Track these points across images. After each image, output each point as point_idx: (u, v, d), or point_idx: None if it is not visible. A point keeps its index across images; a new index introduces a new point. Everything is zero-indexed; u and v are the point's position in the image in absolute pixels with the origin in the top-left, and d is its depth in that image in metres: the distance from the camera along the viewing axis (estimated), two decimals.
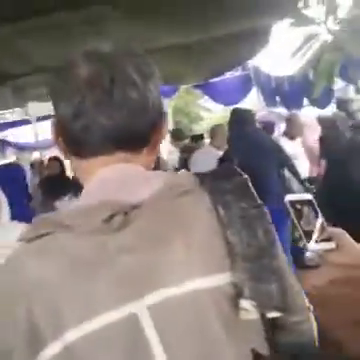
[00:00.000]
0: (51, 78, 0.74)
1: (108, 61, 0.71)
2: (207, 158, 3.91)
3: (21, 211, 2.36)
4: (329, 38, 2.93)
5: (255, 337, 0.67)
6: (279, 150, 3.36)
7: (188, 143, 5.81)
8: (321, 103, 5.68)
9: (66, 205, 4.88)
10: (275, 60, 4.85)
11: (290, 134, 4.80)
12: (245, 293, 0.65)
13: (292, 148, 4.36)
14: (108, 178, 0.71)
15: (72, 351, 0.63)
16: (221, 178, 0.72)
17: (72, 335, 0.63)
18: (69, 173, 5.51)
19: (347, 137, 4.26)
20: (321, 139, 4.59)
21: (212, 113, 15.41)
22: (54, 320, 0.64)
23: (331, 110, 5.89)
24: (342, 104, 5.15)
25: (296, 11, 3.11)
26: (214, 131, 4.54)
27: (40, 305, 0.65)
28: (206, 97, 15.57)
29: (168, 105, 13.93)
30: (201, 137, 6.00)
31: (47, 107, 6.61)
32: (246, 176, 0.72)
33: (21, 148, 7.28)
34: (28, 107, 5.78)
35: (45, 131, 6.90)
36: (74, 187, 4.95)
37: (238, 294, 0.66)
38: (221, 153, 3.83)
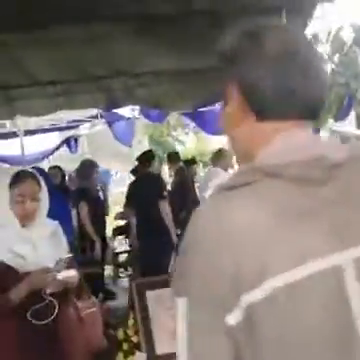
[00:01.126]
0: (239, 40, 0.78)
1: (298, 37, 0.78)
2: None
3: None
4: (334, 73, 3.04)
5: None
6: None
7: (182, 166, 5.93)
8: None
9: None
10: None
11: None
12: None
13: None
14: (303, 139, 0.76)
15: (275, 298, 0.66)
16: None
17: (277, 282, 0.66)
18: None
19: None
20: None
21: (184, 145, 15.85)
22: (260, 266, 0.66)
23: None
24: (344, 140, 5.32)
25: None
26: (219, 155, 5.19)
27: (246, 251, 0.67)
28: (179, 129, 15.94)
29: (144, 134, 14.23)
30: (194, 161, 6.15)
31: (35, 122, 6.61)
32: None
33: (5, 161, 7.24)
34: (16, 120, 5.76)
35: (32, 145, 6.90)
36: (73, 196, 5.00)
37: None
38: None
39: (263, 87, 0.75)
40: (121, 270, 6.17)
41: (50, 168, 5.84)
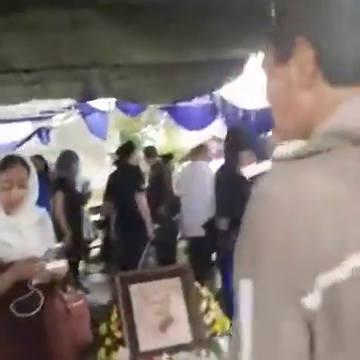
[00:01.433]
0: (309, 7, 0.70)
1: None
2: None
3: None
4: None
5: None
6: None
7: (159, 161, 5.91)
8: None
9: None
10: (247, 92, 4.97)
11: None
12: None
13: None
14: None
15: (356, 279, 0.58)
16: None
17: (357, 261, 0.58)
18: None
19: None
20: None
21: (153, 142, 15.88)
22: (339, 243, 0.58)
23: None
24: None
25: None
26: (200, 149, 5.18)
27: (325, 226, 0.59)
28: (149, 126, 15.97)
29: (116, 128, 14.16)
30: (171, 156, 6.13)
31: (5, 111, 6.40)
32: None
33: None
34: None
35: (1, 135, 6.72)
36: (51, 186, 4.93)
37: None
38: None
39: (342, 50, 0.68)
40: (93, 266, 6.08)
41: (32, 157, 5.78)
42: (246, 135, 3.68)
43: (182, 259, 5.27)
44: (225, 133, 6.42)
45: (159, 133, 17.10)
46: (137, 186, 4.55)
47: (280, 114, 0.76)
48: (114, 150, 11.58)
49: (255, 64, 4.76)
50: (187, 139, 13.07)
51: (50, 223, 2.05)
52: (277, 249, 0.60)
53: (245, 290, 0.62)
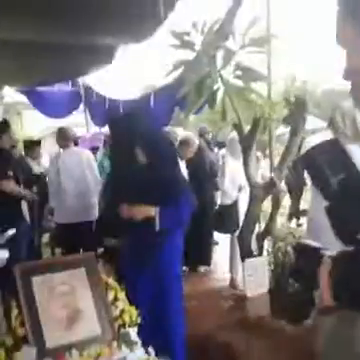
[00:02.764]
0: None
1: None
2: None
3: None
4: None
5: None
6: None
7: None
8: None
9: None
10: (114, 82, 4.87)
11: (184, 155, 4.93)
12: None
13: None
14: None
15: None
16: None
17: None
18: None
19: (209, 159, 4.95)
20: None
21: None
22: None
23: None
24: (204, 133, 6.19)
25: (176, 34, 3.17)
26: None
27: None
28: None
29: None
30: (38, 143, 5.64)
31: None
32: None
33: None
34: None
35: None
36: None
37: None
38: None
39: None
40: None
41: None
42: (145, 125, 3.54)
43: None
44: (88, 121, 6.24)
45: None
46: (4, 172, 4.07)
47: None
48: None
49: (124, 54, 4.70)
50: (29, 130, 12.41)
51: None
52: None
53: None
